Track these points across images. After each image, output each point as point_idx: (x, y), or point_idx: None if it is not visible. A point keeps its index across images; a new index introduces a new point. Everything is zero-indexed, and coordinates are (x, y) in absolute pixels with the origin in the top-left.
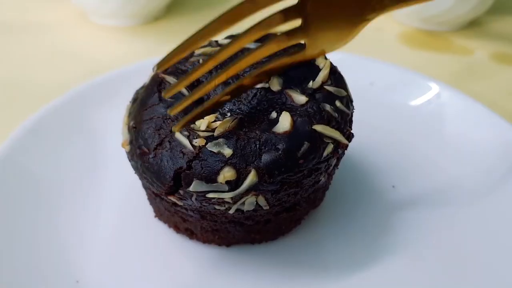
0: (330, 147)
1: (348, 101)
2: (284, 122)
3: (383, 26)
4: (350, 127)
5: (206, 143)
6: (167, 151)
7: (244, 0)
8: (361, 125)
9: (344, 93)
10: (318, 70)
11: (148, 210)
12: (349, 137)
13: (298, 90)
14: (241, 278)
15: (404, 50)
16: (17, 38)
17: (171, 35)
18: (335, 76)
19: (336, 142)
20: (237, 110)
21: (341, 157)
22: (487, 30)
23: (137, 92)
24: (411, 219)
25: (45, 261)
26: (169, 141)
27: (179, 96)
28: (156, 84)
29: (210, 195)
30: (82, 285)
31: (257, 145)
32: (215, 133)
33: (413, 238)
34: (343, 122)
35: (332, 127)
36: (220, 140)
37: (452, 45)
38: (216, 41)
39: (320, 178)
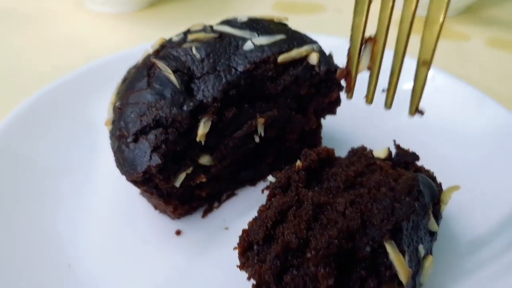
0: None
1: None
2: (428, 271)
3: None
4: None
5: None
6: (149, 143)
7: None
8: (357, 110)
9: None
10: None
11: (141, 195)
12: None
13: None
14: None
15: None
16: (15, 26)
17: (166, 20)
18: None
19: None
20: None
21: None
22: (484, 16)
23: (129, 71)
24: None
25: (37, 246)
26: (155, 134)
27: (167, 83)
28: (146, 68)
29: None
30: (74, 269)
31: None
32: None
33: None
34: None
35: None
36: None
37: (449, 31)
38: (211, 27)
39: None
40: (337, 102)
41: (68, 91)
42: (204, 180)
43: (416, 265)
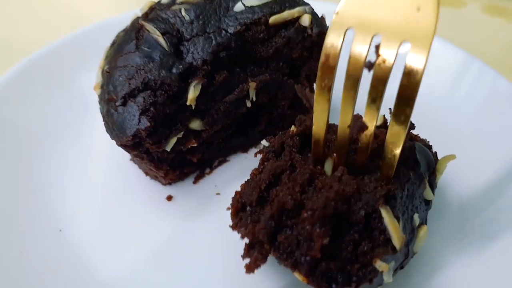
0: None
1: None
2: (422, 238)
3: None
4: None
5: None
6: (138, 106)
7: None
8: None
9: None
10: None
11: (132, 161)
12: None
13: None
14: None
15: None
16: None
17: None
18: None
19: None
20: None
21: None
22: None
23: (117, 35)
24: None
25: (27, 211)
26: (143, 97)
27: (155, 45)
28: (134, 31)
29: None
30: (65, 234)
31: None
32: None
33: None
34: None
35: None
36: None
37: None
38: None
39: None
40: None
41: (58, 57)
42: (195, 145)
43: (410, 233)
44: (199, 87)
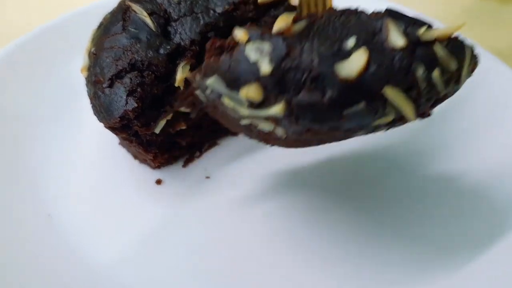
0: (386, 119)
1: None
2: (356, 61)
3: None
4: (432, 107)
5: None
6: (125, 87)
7: None
8: None
9: (453, 66)
10: None
11: (120, 145)
12: (423, 115)
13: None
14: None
15: None
16: None
17: None
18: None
19: (399, 116)
20: None
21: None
22: None
23: (104, 17)
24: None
25: (16, 196)
26: (130, 78)
27: (142, 26)
28: (121, 12)
29: (225, 101)
30: (54, 219)
31: (304, 75)
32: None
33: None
34: (427, 98)
35: (409, 97)
36: (266, 44)
37: None
38: None
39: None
40: None
41: (46, 40)
42: (184, 127)
43: (336, 52)
44: (187, 68)
